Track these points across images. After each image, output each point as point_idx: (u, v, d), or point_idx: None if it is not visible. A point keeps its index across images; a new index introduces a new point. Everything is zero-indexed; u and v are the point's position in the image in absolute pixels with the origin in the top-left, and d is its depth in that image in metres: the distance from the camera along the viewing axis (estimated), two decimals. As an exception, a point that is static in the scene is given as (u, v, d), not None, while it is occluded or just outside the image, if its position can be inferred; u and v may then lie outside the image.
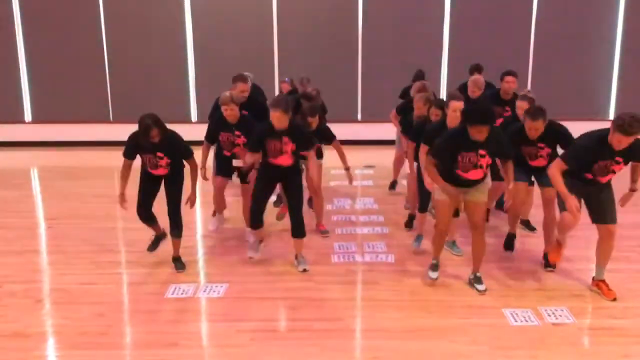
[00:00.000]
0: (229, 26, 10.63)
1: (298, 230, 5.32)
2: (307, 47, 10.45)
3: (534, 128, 4.91)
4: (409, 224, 6.12)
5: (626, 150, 4.34)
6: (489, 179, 4.78)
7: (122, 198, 5.13)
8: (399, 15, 10.64)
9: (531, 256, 5.48)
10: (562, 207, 4.55)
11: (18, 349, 4.06)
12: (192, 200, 5.22)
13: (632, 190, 4.66)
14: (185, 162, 5.16)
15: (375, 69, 10.69)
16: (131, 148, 5.05)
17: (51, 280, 5.28)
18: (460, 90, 7.33)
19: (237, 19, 10.66)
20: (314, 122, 5.86)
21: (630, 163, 4.52)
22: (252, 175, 5.45)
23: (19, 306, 4.68)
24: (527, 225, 6.11)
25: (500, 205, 6.47)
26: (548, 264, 5.12)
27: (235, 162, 5.57)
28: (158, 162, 5.04)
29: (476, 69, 7.45)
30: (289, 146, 5.08)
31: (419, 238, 5.67)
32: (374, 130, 10.28)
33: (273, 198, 5.63)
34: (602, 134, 4.38)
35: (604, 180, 4.52)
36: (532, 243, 5.76)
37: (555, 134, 4.98)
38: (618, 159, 4.39)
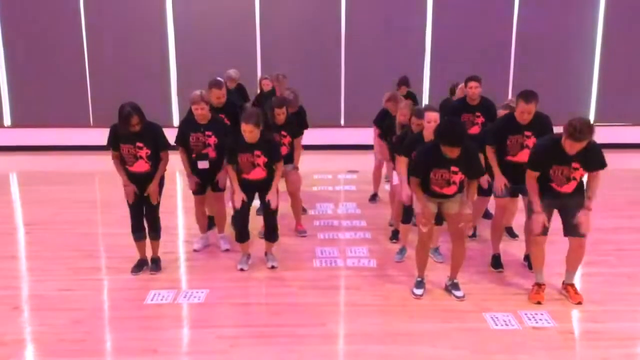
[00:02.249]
0: (211, 31, 10.59)
1: (271, 235, 5.46)
2: (290, 52, 10.44)
3: (527, 111, 4.91)
4: (393, 238, 6.09)
5: (582, 156, 4.36)
6: (463, 195, 4.79)
7: (128, 185, 5.09)
8: (382, 20, 10.68)
9: (512, 261, 5.51)
10: (530, 213, 4.67)
11: (-6, 357, 4.00)
12: (152, 191, 5.10)
13: (587, 208, 4.47)
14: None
15: (358, 73, 10.71)
16: (113, 138, 5.07)
17: (29, 286, 5.21)
18: (452, 93, 7.41)
19: (219, 24, 10.63)
20: (281, 114, 5.83)
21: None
22: (222, 176, 5.53)
23: (-5, 313, 4.61)
24: (510, 232, 6.12)
25: (486, 214, 6.47)
26: (531, 266, 5.15)
27: (201, 165, 5.52)
28: (137, 153, 5.01)
29: (457, 87, 7.44)
30: (261, 159, 5.14)
31: (402, 251, 5.65)
32: (357, 135, 10.26)
33: (256, 203, 5.61)
34: (557, 138, 4.43)
35: (567, 189, 4.50)
36: (513, 248, 5.79)
37: (543, 124, 5.02)
38: (575, 165, 4.40)
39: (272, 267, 5.40)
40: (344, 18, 10.76)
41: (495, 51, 10.60)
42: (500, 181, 5.12)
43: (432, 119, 5.00)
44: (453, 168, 4.49)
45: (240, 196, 5.21)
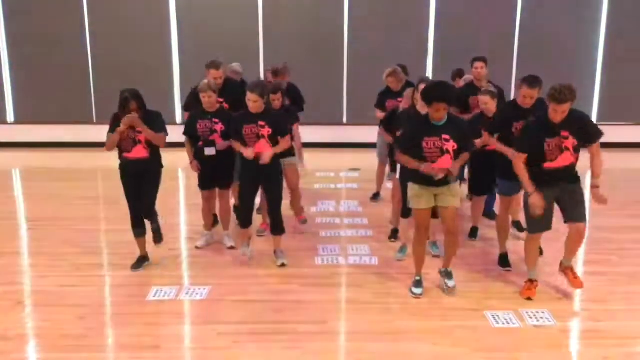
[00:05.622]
0: (215, 28, 10.60)
1: (277, 228, 5.44)
2: (293, 49, 10.44)
3: (530, 96, 4.96)
4: (392, 237, 6.09)
5: (568, 123, 4.39)
6: (457, 185, 4.78)
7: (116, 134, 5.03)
8: (385, 17, 10.68)
9: (513, 259, 5.49)
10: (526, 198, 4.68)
11: (-3, 352, 4.02)
12: (131, 118, 4.93)
13: (594, 187, 4.53)
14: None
15: (361, 70, 10.70)
16: (113, 125, 5.07)
17: (32, 282, 5.22)
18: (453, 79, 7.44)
19: (223, 20, 10.64)
20: (276, 99, 5.84)
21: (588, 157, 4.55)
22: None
23: (-2, 308, 4.64)
24: (518, 226, 6.09)
25: (487, 214, 6.46)
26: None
27: (208, 151, 5.51)
28: (137, 137, 5.02)
29: (458, 74, 7.47)
30: (266, 130, 5.13)
31: (402, 249, 5.64)
32: (360, 132, 10.29)
33: (256, 201, 5.62)
34: (543, 113, 4.52)
35: (561, 162, 4.48)
36: (515, 246, 5.78)
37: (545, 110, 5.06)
38: (564, 133, 4.43)
39: (282, 265, 5.39)
40: (346, 15, 10.76)
41: (497, 49, 10.57)
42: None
43: None
44: (444, 136, 4.49)
45: (249, 150, 5.12)
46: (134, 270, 5.30)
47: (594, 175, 4.56)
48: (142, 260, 5.39)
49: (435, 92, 4.45)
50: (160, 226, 5.39)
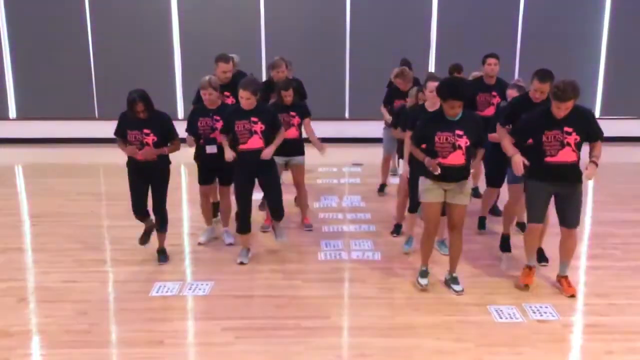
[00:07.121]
0: (216, 24, 10.57)
1: (276, 214, 5.47)
2: (295, 45, 10.41)
3: (540, 90, 4.92)
4: (395, 232, 6.07)
5: (572, 120, 4.38)
6: (470, 182, 4.77)
7: (133, 150, 5.10)
8: (387, 13, 10.64)
9: (516, 254, 5.49)
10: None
11: (1, 348, 4.02)
12: (148, 150, 5.07)
13: (593, 162, 4.44)
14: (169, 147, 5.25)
15: (363, 66, 10.68)
16: (120, 125, 5.13)
17: (35, 278, 5.23)
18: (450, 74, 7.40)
19: (225, 17, 10.61)
20: (287, 96, 5.87)
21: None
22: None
23: (1, 305, 4.64)
24: (522, 227, 6.06)
25: (494, 211, 6.45)
26: (541, 259, 5.18)
27: (209, 149, 5.50)
28: (144, 140, 5.05)
29: (456, 69, 7.43)
30: (258, 126, 5.12)
31: (409, 241, 5.64)
32: (362, 128, 10.27)
33: (258, 197, 5.60)
34: (545, 106, 4.51)
35: (562, 157, 4.45)
36: (520, 241, 5.76)
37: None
38: (567, 129, 4.41)
39: (282, 242, 5.48)
40: (349, 9, 10.73)
41: (500, 44, 10.50)
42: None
43: (434, 87, 4.95)
44: (457, 131, 4.47)
45: (230, 153, 5.17)
46: (143, 244, 5.38)
47: (594, 156, 4.49)
48: (149, 232, 5.42)
49: (451, 89, 4.43)
50: (167, 255, 5.48)
